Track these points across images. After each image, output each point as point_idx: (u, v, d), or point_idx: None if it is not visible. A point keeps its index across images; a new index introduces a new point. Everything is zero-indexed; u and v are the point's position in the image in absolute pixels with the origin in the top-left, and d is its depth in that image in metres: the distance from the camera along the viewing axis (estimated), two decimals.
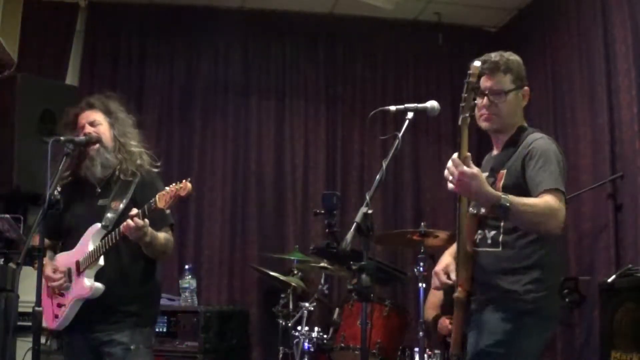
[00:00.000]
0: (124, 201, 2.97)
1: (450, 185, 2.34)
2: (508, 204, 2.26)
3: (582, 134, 4.50)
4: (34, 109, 4.65)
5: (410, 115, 2.53)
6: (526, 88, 2.60)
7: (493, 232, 2.50)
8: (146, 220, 2.78)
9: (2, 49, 4.82)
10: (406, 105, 2.56)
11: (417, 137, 5.81)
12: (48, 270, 2.95)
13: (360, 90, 5.88)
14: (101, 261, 2.90)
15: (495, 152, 2.67)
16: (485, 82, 2.57)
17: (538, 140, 2.49)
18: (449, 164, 2.32)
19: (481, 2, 5.52)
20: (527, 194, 2.37)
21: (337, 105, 5.85)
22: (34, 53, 5.28)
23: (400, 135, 2.46)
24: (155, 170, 3.14)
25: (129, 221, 2.76)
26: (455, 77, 5.90)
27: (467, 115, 2.38)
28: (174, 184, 2.78)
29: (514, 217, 2.32)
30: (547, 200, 2.32)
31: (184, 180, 2.78)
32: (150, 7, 5.71)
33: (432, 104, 2.59)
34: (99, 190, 3.05)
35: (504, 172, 2.50)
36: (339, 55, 5.91)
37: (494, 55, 2.58)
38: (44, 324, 2.88)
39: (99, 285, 2.90)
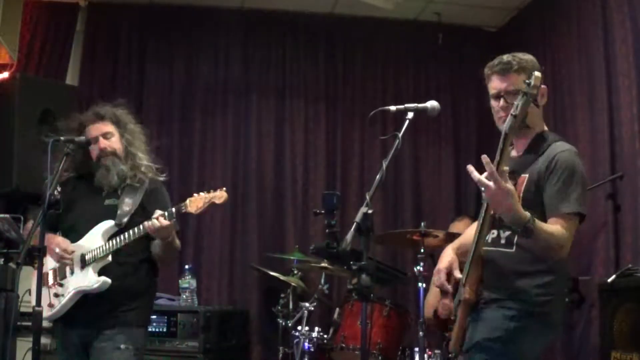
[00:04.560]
0: (135, 203, 3.05)
1: (483, 194, 2.31)
2: (533, 228, 2.24)
3: (582, 134, 4.50)
4: (34, 109, 4.65)
5: (410, 115, 2.52)
6: (543, 87, 2.49)
7: (508, 233, 2.46)
8: (171, 221, 2.88)
9: (2, 49, 4.82)
10: (406, 105, 2.55)
11: (417, 137, 5.81)
12: (58, 239, 2.97)
13: (360, 90, 5.88)
14: (109, 258, 2.95)
15: (514, 152, 2.60)
16: (499, 84, 2.52)
17: (564, 152, 2.44)
18: (479, 177, 2.26)
19: (481, 2, 5.52)
20: (540, 203, 2.36)
21: (337, 105, 5.85)
22: (34, 53, 5.28)
23: (400, 135, 2.45)
24: (161, 179, 3.21)
25: (154, 221, 2.85)
26: (455, 77, 5.91)
27: (517, 125, 2.28)
28: (206, 191, 2.90)
29: (531, 240, 2.29)
30: (562, 230, 2.31)
31: (223, 189, 2.91)
32: (150, 7, 5.71)
33: (432, 104, 2.58)
34: (105, 192, 3.10)
35: (525, 177, 2.45)
36: (339, 55, 5.91)
37: (506, 57, 2.53)
38: None
39: (107, 279, 2.93)
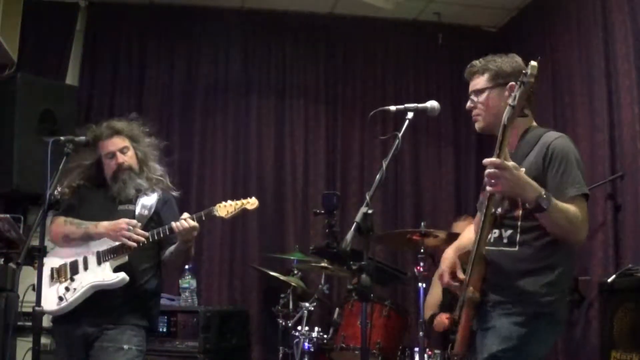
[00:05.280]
0: (151, 208, 3.14)
1: (489, 188, 2.32)
2: (550, 199, 2.26)
3: (582, 133, 4.50)
4: (34, 109, 4.66)
5: (410, 115, 2.54)
6: (511, 84, 2.50)
7: (510, 232, 2.46)
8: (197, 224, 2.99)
9: (2, 49, 4.82)
10: (406, 105, 2.56)
11: (417, 137, 5.81)
12: (122, 219, 3.03)
13: (360, 90, 5.88)
14: (126, 257, 3.02)
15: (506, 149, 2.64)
16: (470, 86, 2.63)
17: (557, 139, 2.46)
18: (487, 169, 2.27)
19: (481, 2, 5.52)
20: None
21: (337, 105, 5.85)
22: (34, 53, 5.28)
23: (400, 135, 2.46)
24: (174, 194, 3.32)
25: (183, 222, 2.95)
26: (455, 77, 5.90)
27: (516, 115, 2.32)
28: (236, 200, 3.05)
29: (549, 216, 2.30)
30: (576, 210, 2.33)
31: (253, 197, 3.08)
32: (150, 7, 5.71)
33: (432, 104, 2.60)
34: (119, 199, 3.17)
35: (522, 170, 2.43)
36: (339, 55, 5.91)
37: (475, 60, 2.64)
38: (46, 309, 2.90)
39: (125, 275, 2.99)
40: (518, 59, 2.56)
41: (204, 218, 3.01)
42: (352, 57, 5.92)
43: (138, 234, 3.00)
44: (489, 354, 2.41)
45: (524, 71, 2.29)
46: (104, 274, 2.99)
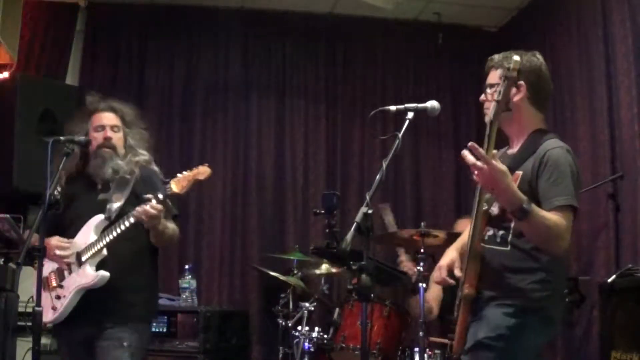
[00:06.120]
0: (125, 193, 2.99)
1: (474, 176, 2.31)
2: (529, 210, 2.24)
3: (582, 133, 4.50)
4: (34, 109, 4.65)
5: (410, 115, 2.54)
6: (520, 82, 2.49)
7: (502, 232, 2.47)
8: (162, 205, 2.83)
9: (2, 49, 4.82)
10: (406, 105, 2.56)
11: (417, 137, 5.81)
12: (52, 243, 2.95)
13: (360, 90, 5.88)
14: (104, 251, 2.93)
15: (510, 150, 2.63)
16: (486, 80, 2.60)
17: (555, 149, 2.45)
18: (473, 160, 2.27)
19: (481, 2, 5.53)
20: (535, 201, 2.35)
21: (337, 105, 5.85)
22: (34, 53, 5.28)
23: (400, 135, 2.46)
24: (155, 168, 3.20)
25: (145, 206, 2.79)
26: (455, 77, 5.92)
27: (502, 111, 2.33)
28: (193, 169, 2.88)
29: (528, 224, 2.29)
30: (557, 219, 2.31)
31: (205, 165, 2.91)
32: (150, 7, 5.72)
33: (432, 104, 2.60)
34: (100, 186, 3.10)
35: (519, 173, 2.46)
36: (339, 55, 5.91)
37: (498, 55, 2.59)
38: (43, 320, 2.87)
39: (104, 273, 2.91)
40: (535, 59, 2.54)
41: (167, 194, 2.84)
42: (352, 57, 5.92)
43: (65, 256, 2.95)
44: (476, 341, 2.42)
45: (506, 66, 2.31)
46: (85, 276, 2.92)
